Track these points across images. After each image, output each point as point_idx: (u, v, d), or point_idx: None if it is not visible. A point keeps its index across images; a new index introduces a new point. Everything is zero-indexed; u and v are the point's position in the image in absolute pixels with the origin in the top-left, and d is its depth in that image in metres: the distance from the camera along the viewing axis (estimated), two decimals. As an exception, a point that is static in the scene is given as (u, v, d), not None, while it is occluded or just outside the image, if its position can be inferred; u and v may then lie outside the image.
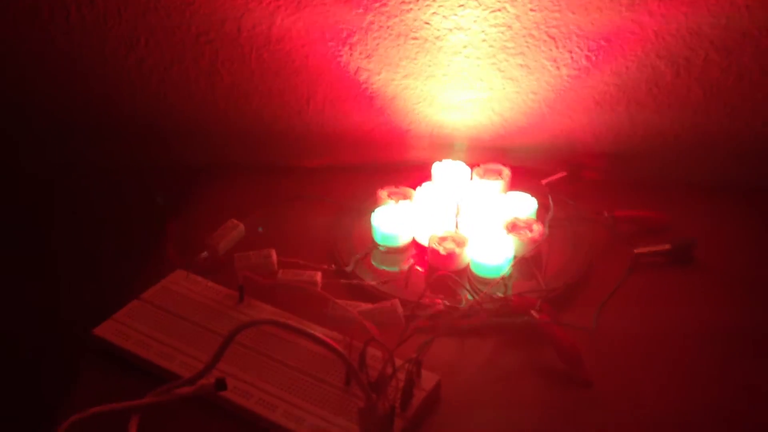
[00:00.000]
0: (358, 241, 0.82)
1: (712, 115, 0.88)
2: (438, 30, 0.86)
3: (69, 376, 0.67)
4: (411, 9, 0.85)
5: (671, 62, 0.85)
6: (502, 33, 0.85)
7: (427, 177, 0.89)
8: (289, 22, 0.87)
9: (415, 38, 0.87)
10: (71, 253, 0.92)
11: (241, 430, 0.61)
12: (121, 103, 0.93)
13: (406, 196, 0.85)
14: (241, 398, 0.62)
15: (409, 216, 0.82)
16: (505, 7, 0.83)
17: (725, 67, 0.84)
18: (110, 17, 0.87)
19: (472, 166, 0.89)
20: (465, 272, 0.77)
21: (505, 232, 0.79)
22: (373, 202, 0.85)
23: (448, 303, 0.70)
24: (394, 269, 0.80)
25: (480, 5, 0.83)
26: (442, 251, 0.77)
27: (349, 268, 0.76)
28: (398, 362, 0.61)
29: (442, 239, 0.78)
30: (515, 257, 0.77)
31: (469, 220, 0.82)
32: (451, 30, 0.86)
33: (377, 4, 0.85)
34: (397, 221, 0.82)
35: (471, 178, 0.88)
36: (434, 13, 0.85)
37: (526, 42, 0.86)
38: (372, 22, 0.86)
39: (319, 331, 0.68)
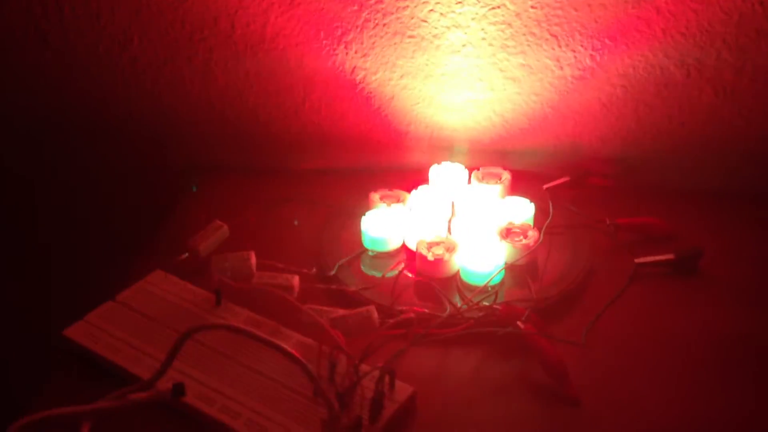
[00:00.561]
0: (346, 245, 0.79)
1: (724, 118, 0.83)
2: (435, 28, 0.83)
3: (41, 377, 0.65)
4: (407, 6, 0.82)
5: (681, 62, 0.80)
6: (502, 31, 0.82)
7: (424, 180, 0.86)
8: (283, 19, 0.85)
9: (412, 36, 0.84)
10: (57, 254, 0.91)
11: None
12: (114, 103, 0.92)
13: (399, 200, 0.82)
14: (203, 404, 0.59)
15: (401, 220, 0.79)
16: (504, 4, 0.80)
17: (739, 67, 0.79)
18: (103, 16, 0.86)
19: (471, 169, 0.85)
20: (455, 280, 0.74)
21: (498, 238, 0.75)
22: (366, 206, 0.83)
23: (426, 311, 0.67)
24: (378, 274, 0.76)
25: (479, 2, 0.80)
26: (430, 257, 0.73)
27: (331, 272, 0.74)
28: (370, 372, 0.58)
29: (432, 244, 0.75)
30: (506, 264, 0.73)
31: (463, 225, 0.79)
32: (449, 28, 0.83)
33: (372, 1, 0.82)
34: (387, 225, 0.79)
35: (469, 182, 0.85)
36: (431, 10, 0.82)
37: (527, 41, 0.82)
38: (368, 20, 0.83)
39: (293, 338, 0.66)
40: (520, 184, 0.84)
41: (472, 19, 0.82)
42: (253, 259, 0.72)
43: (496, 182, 0.84)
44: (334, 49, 0.86)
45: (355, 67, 0.87)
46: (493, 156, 0.89)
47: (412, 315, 0.65)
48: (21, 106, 0.94)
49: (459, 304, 0.69)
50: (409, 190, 0.83)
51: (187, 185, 0.90)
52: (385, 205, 0.81)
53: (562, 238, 0.79)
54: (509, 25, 0.81)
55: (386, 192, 0.83)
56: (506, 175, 0.84)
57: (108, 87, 0.91)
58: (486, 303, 0.69)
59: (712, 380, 0.63)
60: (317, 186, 0.90)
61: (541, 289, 0.72)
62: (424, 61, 0.85)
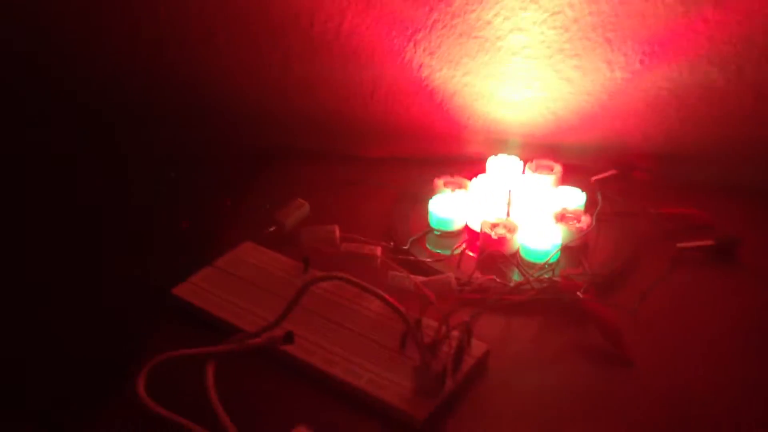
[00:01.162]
0: (414, 225, 0.88)
1: (763, 121, 0.91)
2: (499, 30, 0.91)
3: (151, 330, 0.73)
4: (474, 9, 0.90)
5: (723, 68, 0.88)
6: (560, 35, 0.90)
7: (482, 170, 0.94)
8: (359, 18, 0.93)
9: (476, 37, 0.92)
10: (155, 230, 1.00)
11: (300, 385, 0.66)
12: (200, 90, 1.01)
13: (461, 186, 0.90)
14: (304, 354, 0.67)
15: (464, 203, 0.87)
16: (564, 11, 0.88)
17: (777, 75, 0.87)
18: (193, 8, 0.95)
19: (525, 161, 0.94)
20: (515, 257, 0.82)
21: (554, 221, 0.83)
22: (430, 190, 0.90)
23: (497, 279, 0.75)
24: (447, 252, 0.85)
25: (540, 8, 0.88)
26: (493, 236, 0.81)
27: (406, 246, 0.82)
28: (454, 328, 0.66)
29: (494, 225, 0.83)
30: (563, 244, 0.81)
31: (520, 210, 0.87)
32: (511, 31, 0.91)
33: (443, 4, 0.90)
34: (452, 208, 0.87)
35: (524, 172, 0.93)
36: (496, 14, 0.90)
37: (583, 44, 0.90)
38: (437, 21, 0.92)
39: (376, 301, 0.74)
40: (569, 176, 0.92)
41: (533, 23, 0.90)
42: (338, 232, 0.80)
43: (549, 173, 0.92)
44: (404, 47, 0.94)
45: (422, 64, 0.95)
46: (544, 150, 0.97)
47: (492, 282, 0.73)
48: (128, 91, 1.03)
49: (525, 276, 0.77)
50: (469, 178, 0.92)
51: (266, 166, 0.99)
52: (449, 189, 0.90)
53: (610, 225, 0.87)
54: (567, 29, 0.90)
55: (449, 179, 0.92)
56: (558, 168, 0.92)
57: (195, 75, 1.00)
58: (546, 276, 0.77)
59: (746, 352, 0.71)
60: (383, 172, 0.98)
61: (593, 268, 0.80)
62: (486, 61, 0.94)
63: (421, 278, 0.73)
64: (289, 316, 0.69)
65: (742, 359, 0.71)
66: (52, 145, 1.07)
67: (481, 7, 0.90)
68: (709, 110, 0.92)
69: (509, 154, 0.95)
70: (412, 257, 0.80)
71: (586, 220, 0.84)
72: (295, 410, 0.64)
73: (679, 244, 0.83)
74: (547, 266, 0.79)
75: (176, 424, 0.59)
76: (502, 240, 0.81)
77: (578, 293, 0.73)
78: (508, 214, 0.86)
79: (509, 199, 0.88)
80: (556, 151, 0.97)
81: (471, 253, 0.84)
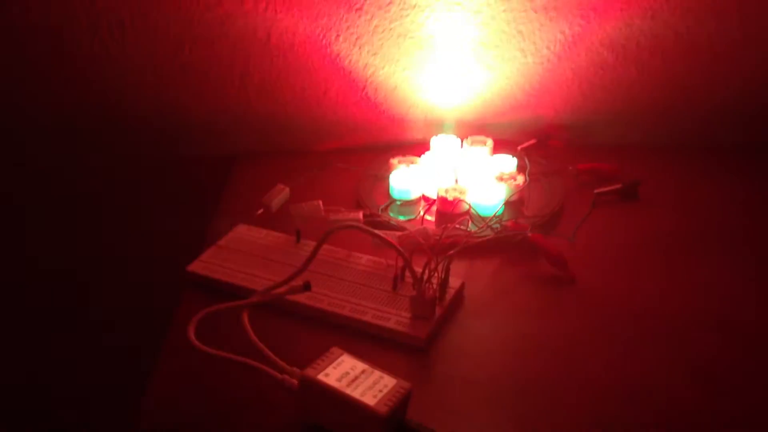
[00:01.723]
0: (378, 198, 1.03)
1: (644, 88, 1.12)
2: (431, 30, 1.08)
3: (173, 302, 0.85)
4: (409, 14, 1.07)
5: (612, 49, 1.09)
6: (481, 30, 1.08)
7: (426, 149, 1.10)
8: (310, 29, 1.08)
9: (412, 37, 1.09)
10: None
11: (317, 328, 0.80)
12: (167, 102, 1.12)
13: (413, 162, 1.06)
14: (315, 302, 0.81)
15: (418, 176, 1.03)
16: (483, 10, 1.06)
17: (652, 50, 1.09)
18: (160, 29, 1.06)
19: (462, 138, 1.11)
20: (468, 214, 0.98)
21: (495, 182, 1.01)
22: (387, 169, 1.06)
23: (462, 228, 0.92)
24: (411, 217, 1.00)
25: (464, 9, 1.06)
26: (449, 198, 0.98)
27: (380, 211, 0.97)
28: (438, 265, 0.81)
29: (448, 190, 0.99)
30: (506, 199, 0.99)
31: (465, 177, 1.04)
32: (441, 30, 1.08)
33: (381, 11, 1.06)
34: (408, 180, 1.03)
35: (462, 147, 1.10)
36: (428, 16, 1.07)
37: (500, 37, 1.09)
38: (377, 26, 1.07)
39: (364, 258, 0.88)
40: (500, 148, 1.10)
41: (460, 22, 1.07)
42: (322, 205, 0.94)
43: (483, 146, 1.09)
44: (350, 50, 1.09)
45: (366, 64, 1.11)
46: (477, 128, 1.14)
47: (457, 228, 0.89)
48: (86, 107, 1.12)
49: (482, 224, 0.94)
50: (418, 155, 1.08)
51: (236, 168, 1.11)
52: (404, 165, 1.05)
53: (538, 183, 1.05)
54: (486, 25, 1.08)
55: (402, 158, 1.07)
56: (489, 141, 1.10)
57: (163, 88, 1.11)
58: (498, 225, 0.94)
59: (656, 263, 0.91)
60: (341, 159, 1.13)
61: (533, 214, 0.98)
62: (421, 57, 1.10)
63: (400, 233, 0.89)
64: (295, 276, 0.82)
65: (652, 269, 0.90)
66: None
67: (414, 12, 1.06)
68: (603, 84, 1.12)
69: (448, 134, 1.12)
70: (386, 220, 0.95)
71: (520, 178, 1.02)
72: (316, 347, 0.77)
73: (596, 190, 1.03)
74: (497, 217, 0.96)
75: (228, 360, 0.71)
76: (456, 200, 0.97)
77: (527, 232, 0.90)
78: (456, 182, 1.03)
79: (455, 170, 1.04)
80: (486, 129, 1.14)
81: (429, 217, 1.00)
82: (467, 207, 0.98)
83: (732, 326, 0.80)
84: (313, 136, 1.17)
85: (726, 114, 1.15)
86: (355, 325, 0.79)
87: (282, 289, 0.78)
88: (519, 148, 1.11)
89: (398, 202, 1.02)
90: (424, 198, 1.03)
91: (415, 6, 1.06)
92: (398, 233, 0.88)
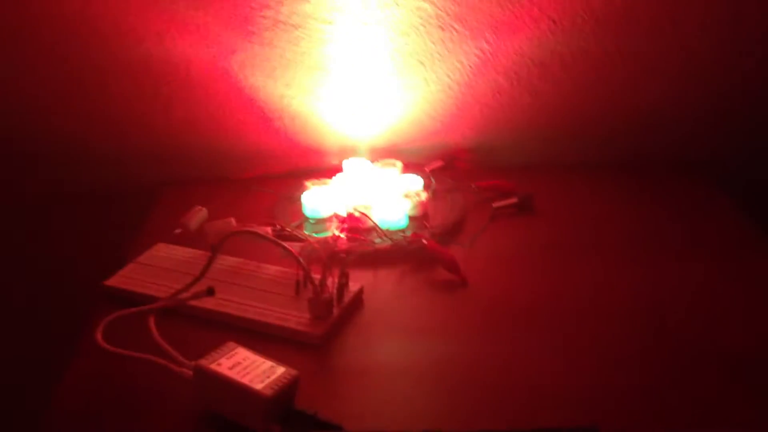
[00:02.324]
0: (293, 217, 1.10)
1: (539, 112, 1.22)
2: (341, 64, 1.17)
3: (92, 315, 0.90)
4: (318, 47, 1.15)
5: (507, 76, 1.19)
6: (388, 63, 1.17)
7: (339, 172, 1.18)
8: (227, 64, 1.16)
9: (322, 69, 1.17)
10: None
11: (223, 331, 0.86)
12: (93, 132, 1.19)
13: (325, 183, 1.14)
14: (223, 308, 0.87)
15: (328, 195, 1.11)
16: (387, 44, 1.16)
17: (541, 76, 1.19)
18: (87, 62, 1.14)
19: (373, 161, 1.19)
20: (375, 227, 1.06)
21: (401, 198, 1.09)
22: (302, 192, 1.13)
23: (365, 238, 0.99)
24: (323, 234, 1.07)
25: (369, 44, 1.15)
26: (356, 214, 1.05)
27: (288, 228, 1.04)
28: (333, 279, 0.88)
29: (355, 208, 1.07)
30: (409, 214, 1.06)
31: (373, 196, 1.11)
32: (351, 64, 1.17)
33: (292, 45, 1.15)
34: (319, 200, 1.10)
35: (373, 169, 1.18)
36: (336, 49, 1.16)
37: (404, 68, 1.18)
38: (290, 60, 1.16)
39: (272, 268, 0.95)
40: (409, 170, 1.18)
41: (365, 55, 1.17)
42: (234, 222, 1.01)
43: (393, 167, 1.18)
44: (265, 82, 1.18)
45: (282, 95, 1.19)
46: (388, 154, 1.22)
47: (357, 238, 0.96)
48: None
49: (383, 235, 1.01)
50: (330, 178, 1.16)
51: (162, 196, 1.18)
52: (316, 186, 1.13)
53: (443, 199, 1.13)
54: (392, 58, 1.17)
55: (316, 180, 1.15)
56: (399, 163, 1.18)
57: (88, 119, 1.18)
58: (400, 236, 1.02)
59: (546, 267, 0.99)
60: (261, 186, 1.20)
61: (435, 227, 1.06)
62: (332, 88, 1.19)
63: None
64: (205, 283, 0.88)
65: (538, 272, 0.98)
66: None
67: (322, 45, 1.15)
68: (501, 108, 1.22)
69: (360, 157, 1.20)
70: (294, 234, 1.02)
71: (424, 195, 1.10)
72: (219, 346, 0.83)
73: (493, 204, 1.11)
74: (399, 229, 1.03)
75: (133, 358, 0.76)
76: (363, 215, 1.05)
77: (423, 241, 0.98)
78: (364, 200, 1.11)
79: (364, 190, 1.12)
80: (398, 154, 1.23)
81: (340, 234, 1.07)
82: (372, 222, 1.05)
83: (603, 315, 0.88)
84: (235, 164, 1.24)
85: (617, 134, 1.25)
86: (258, 327, 0.85)
87: (186, 294, 0.84)
88: (427, 169, 1.20)
89: (311, 221, 1.10)
90: (336, 216, 1.11)
91: (322, 40, 1.15)
92: (300, 243, 0.95)
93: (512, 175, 1.19)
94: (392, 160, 1.19)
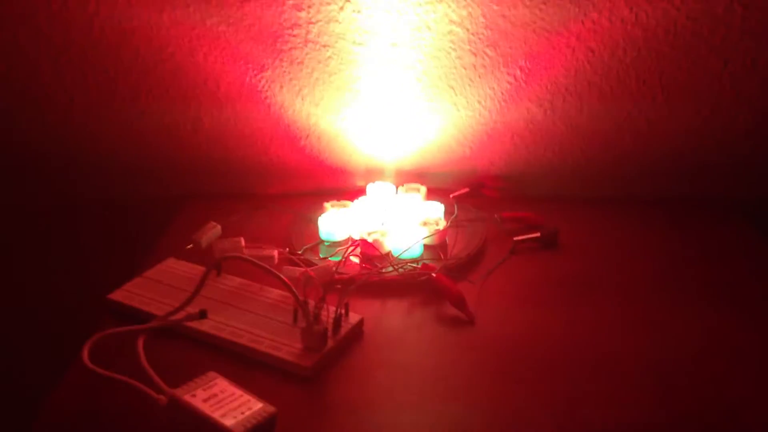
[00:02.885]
0: (309, 238, 1.08)
1: (572, 142, 1.17)
2: (369, 84, 1.15)
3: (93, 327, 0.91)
4: (347, 68, 1.14)
5: (540, 105, 1.14)
6: (415, 85, 1.15)
7: (363, 194, 1.16)
8: (255, 80, 1.15)
9: (350, 90, 1.15)
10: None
11: (216, 355, 0.84)
12: (124, 145, 1.20)
13: (344, 206, 1.12)
14: (217, 331, 0.86)
15: (346, 219, 1.09)
16: (415, 66, 1.13)
17: (578, 107, 1.14)
18: (120, 78, 1.15)
19: (397, 185, 1.16)
20: (388, 255, 1.03)
21: (419, 226, 1.05)
22: (320, 213, 1.11)
23: (370, 267, 0.96)
24: (336, 258, 1.05)
25: (398, 65, 1.13)
26: (369, 240, 1.02)
27: (299, 252, 1.02)
28: (332, 308, 0.86)
29: (370, 233, 1.04)
30: (424, 243, 1.03)
31: (392, 221, 1.09)
32: (380, 84, 1.15)
33: (321, 65, 1.13)
34: (337, 223, 1.08)
35: (396, 194, 1.15)
36: (365, 70, 1.14)
37: (433, 91, 1.15)
38: (318, 78, 1.15)
39: (274, 292, 0.93)
40: (433, 196, 1.15)
41: (394, 77, 1.14)
42: (243, 242, 1.00)
43: (416, 192, 1.14)
44: (294, 101, 1.17)
45: (309, 113, 1.18)
46: (413, 177, 1.20)
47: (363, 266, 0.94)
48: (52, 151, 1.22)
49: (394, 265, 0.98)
50: (352, 200, 1.14)
51: (182, 209, 1.18)
52: (335, 209, 1.11)
53: (465, 229, 1.10)
54: (419, 80, 1.14)
55: (336, 202, 1.13)
56: (423, 188, 1.15)
57: (119, 129, 1.20)
58: (411, 265, 0.98)
59: (563, 303, 0.94)
60: (281, 204, 1.19)
61: (450, 258, 1.02)
62: (360, 108, 1.17)
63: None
64: (206, 307, 0.87)
65: (554, 312, 0.93)
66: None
67: (352, 66, 1.13)
68: (533, 137, 1.17)
69: (385, 181, 1.17)
70: (304, 258, 1.00)
71: (443, 223, 1.06)
72: (207, 371, 0.81)
73: (515, 238, 1.06)
74: (411, 258, 1.00)
75: (119, 382, 0.76)
76: (376, 242, 1.02)
77: (432, 274, 0.94)
78: (382, 225, 1.08)
79: (384, 215, 1.09)
80: (424, 178, 1.20)
81: (354, 259, 1.05)
82: (384, 249, 1.02)
83: (618, 365, 0.83)
84: (258, 180, 1.23)
85: (650, 169, 1.19)
86: (249, 353, 0.83)
87: (178, 316, 0.83)
88: (451, 196, 1.16)
89: (326, 243, 1.07)
90: (351, 240, 1.08)
91: (352, 61, 1.13)
92: (300, 269, 0.93)
93: (539, 207, 1.14)
94: (417, 185, 1.16)
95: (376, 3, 1.09)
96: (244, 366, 0.82)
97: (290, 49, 1.13)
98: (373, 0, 1.08)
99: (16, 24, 1.11)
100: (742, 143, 1.17)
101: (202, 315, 0.82)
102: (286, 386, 0.80)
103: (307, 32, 1.11)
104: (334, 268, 0.93)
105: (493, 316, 0.92)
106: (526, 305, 0.95)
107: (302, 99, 1.17)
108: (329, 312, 0.85)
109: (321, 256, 1.05)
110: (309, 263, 0.99)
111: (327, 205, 1.12)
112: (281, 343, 0.84)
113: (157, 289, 0.94)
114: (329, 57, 1.13)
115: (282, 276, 0.83)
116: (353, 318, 0.88)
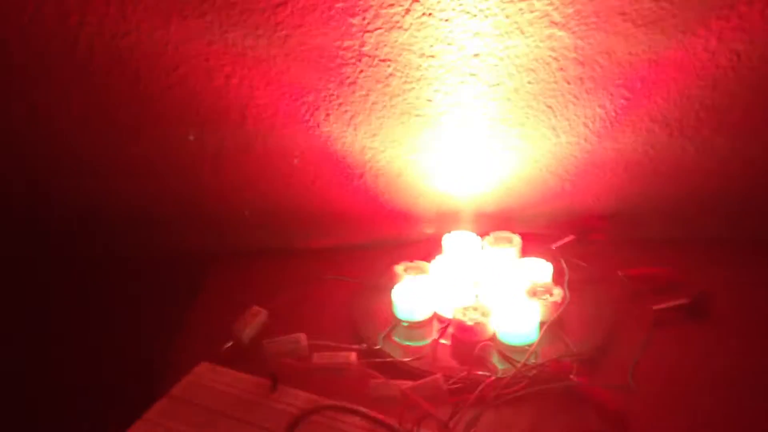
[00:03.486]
0: (380, 318, 0.82)
1: (706, 171, 0.92)
2: (440, 106, 0.89)
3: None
4: (414, 88, 0.87)
5: (665, 124, 0.89)
6: (502, 106, 0.89)
7: (438, 249, 0.90)
8: (293, 107, 0.89)
9: (418, 115, 0.89)
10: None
11: None
12: (136, 194, 0.94)
13: (421, 270, 0.86)
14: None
15: (428, 290, 0.83)
16: (503, 82, 0.87)
17: (715, 126, 0.88)
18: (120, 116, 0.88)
19: (481, 235, 0.91)
20: (494, 341, 0.77)
21: (527, 297, 0.80)
22: (389, 278, 0.86)
23: (481, 373, 0.70)
24: (419, 343, 0.79)
25: (479, 81, 0.87)
26: (468, 322, 0.77)
27: (378, 346, 0.76)
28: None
29: (466, 311, 0.79)
30: (542, 323, 0.78)
31: (487, 290, 0.83)
32: (452, 106, 0.89)
33: (380, 85, 0.87)
34: (416, 296, 0.82)
35: (482, 248, 0.90)
36: (436, 90, 0.88)
37: (526, 113, 0.89)
38: (375, 102, 0.88)
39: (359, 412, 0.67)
40: (527, 246, 0.90)
41: (474, 96, 0.88)
42: (304, 341, 0.73)
43: (509, 245, 0.89)
44: (344, 131, 0.90)
45: (364, 147, 0.92)
46: (498, 221, 0.94)
47: (491, 378, 0.68)
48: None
49: (513, 365, 0.72)
50: (428, 260, 0.88)
51: (207, 274, 0.92)
52: (410, 276, 0.85)
53: (580, 293, 0.84)
54: (508, 100, 0.88)
55: (408, 264, 0.87)
56: (517, 238, 0.90)
57: (122, 180, 0.93)
58: (533, 361, 0.73)
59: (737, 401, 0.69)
60: (334, 263, 0.93)
61: (575, 343, 0.77)
62: (429, 138, 0.91)
63: (406, 383, 0.67)
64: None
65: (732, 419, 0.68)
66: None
67: (420, 85, 0.87)
68: (654, 166, 0.92)
69: (464, 229, 0.92)
70: (389, 359, 0.74)
71: (558, 292, 0.81)
72: None
73: (654, 307, 0.81)
74: (530, 349, 0.75)
75: None
76: (477, 326, 0.76)
77: (571, 377, 0.69)
78: (476, 297, 0.82)
79: (475, 281, 0.84)
80: (509, 222, 0.94)
81: (445, 342, 0.80)
82: (490, 333, 0.77)
83: None
84: (299, 232, 0.98)
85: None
86: None
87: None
88: (553, 246, 0.91)
89: (404, 324, 0.82)
90: (438, 319, 0.83)
91: (420, 78, 0.87)
92: (406, 385, 0.67)
93: (664, 256, 0.90)
94: (508, 234, 0.90)
95: (453, 3, 0.83)
96: None
97: (339, 65, 0.86)
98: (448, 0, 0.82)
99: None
100: None
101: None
102: None
103: (362, 43, 0.85)
104: (442, 384, 0.67)
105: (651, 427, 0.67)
106: (691, 411, 0.70)
107: (355, 129, 0.90)
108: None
109: (397, 340, 0.79)
110: (398, 367, 0.73)
111: (399, 269, 0.86)
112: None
113: (192, 416, 0.68)
114: (390, 74, 0.86)
115: (386, 420, 0.57)
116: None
